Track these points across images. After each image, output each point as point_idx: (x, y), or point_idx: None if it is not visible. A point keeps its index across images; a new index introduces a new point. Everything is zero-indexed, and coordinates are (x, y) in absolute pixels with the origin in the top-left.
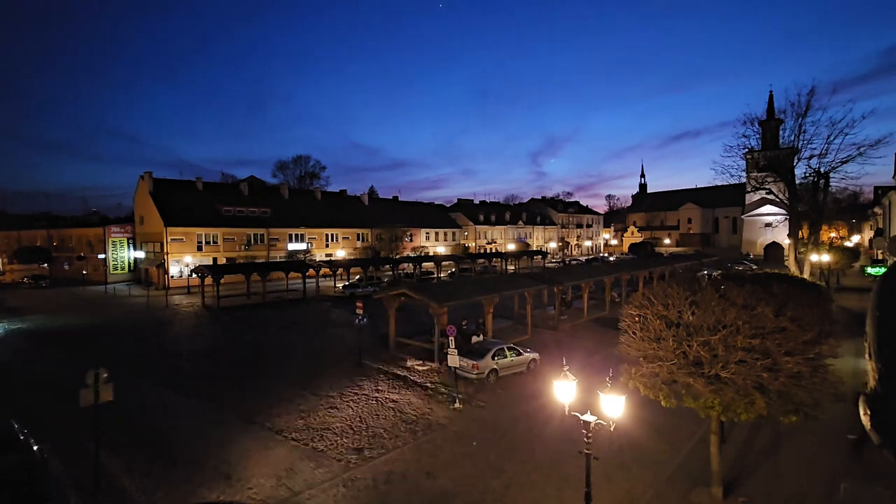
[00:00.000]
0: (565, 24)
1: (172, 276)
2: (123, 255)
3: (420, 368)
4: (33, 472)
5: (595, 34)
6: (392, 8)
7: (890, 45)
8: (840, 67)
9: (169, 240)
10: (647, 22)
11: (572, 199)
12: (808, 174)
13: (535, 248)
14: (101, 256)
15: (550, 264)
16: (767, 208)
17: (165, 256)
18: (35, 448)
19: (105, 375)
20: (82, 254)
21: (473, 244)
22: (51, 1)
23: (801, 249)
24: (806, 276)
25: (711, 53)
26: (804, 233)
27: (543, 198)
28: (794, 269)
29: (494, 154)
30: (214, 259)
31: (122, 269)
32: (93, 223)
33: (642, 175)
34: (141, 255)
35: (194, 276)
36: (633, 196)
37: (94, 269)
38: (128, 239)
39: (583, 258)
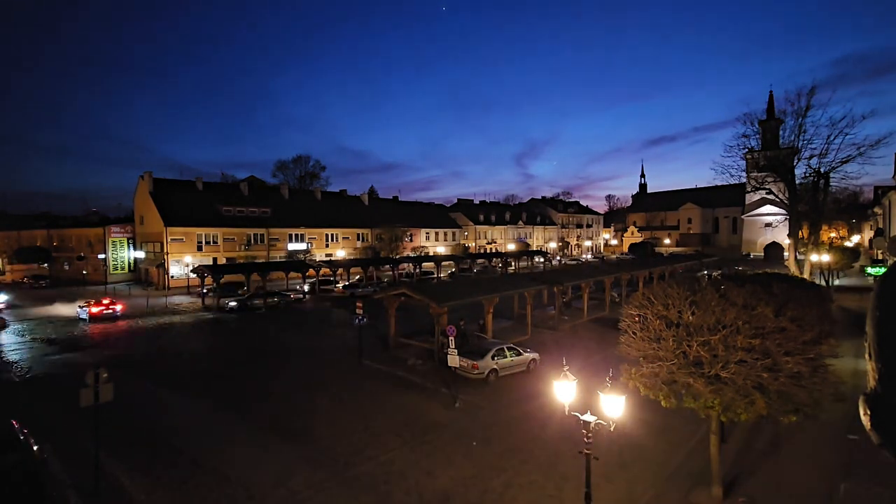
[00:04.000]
0: (535, 34)
1: (172, 276)
2: (123, 255)
3: (420, 368)
4: (33, 472)
5: (564, 44)
6: (368, 18)
7: (845, 54)
8: (795, 77)
9: (169, 240)
10: (611, 35)
11: (572, 200)
12: (808, 174)
13: (535, 248)
14: (101, 256)
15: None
16: (767, 208)
17: (165, 256)
18: (35, 448)
19: (105, 375)
20: (82, 254)
21: (473, 244)
22: (48, 6)
23: (802, 249)
24: (806, 275)
25: (673, 64)
26: (804, 233)
27: (543, 198)
28: (793, 268)
29: (479, 157)
30: (214, 259)
31: (123, 269)
32: (93, 223)
33: (642, 175)
34: (141, 255)
35: (194, 276)
36: (632, 196)
37: (94, 268)
38: (128, 239)
39: (583, 258)
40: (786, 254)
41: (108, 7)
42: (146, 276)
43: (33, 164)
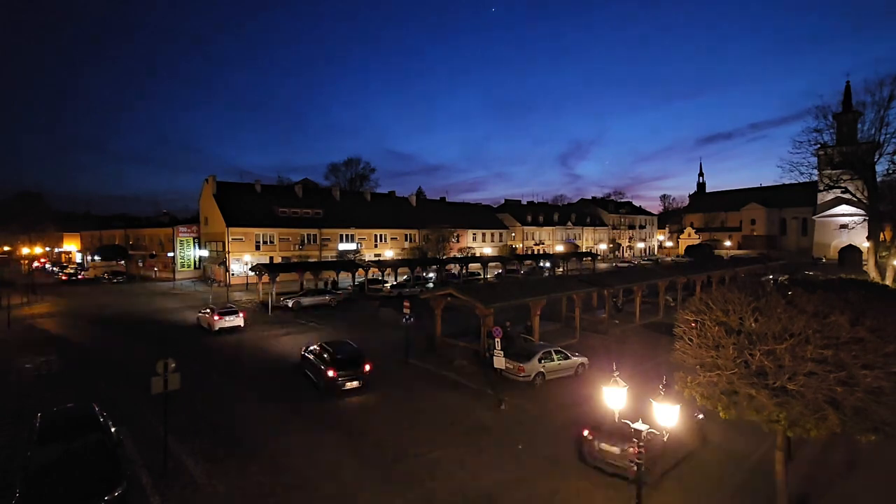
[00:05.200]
0: (575, 35)
1: (233, 274)
2: (190, 253)
3: (466, 369)
4: (111, 452)
5: (606, 44)
6: (410, 24)
7: None
8: (865, 67)
9: (230, 239)
10: (656, 33)
11: (624, 200)
12: (891, 170)
13: (584, 250)
14: (171, 255)
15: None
16: (843, 208)
17: (227, 255)
18: (112, 430)
19: (173, 365)
20: (154, 252)
21: (521, 245)
22: (119, 38)
23: (883, 253)
24: (889, 282)
25: (723, 60)
26: (886, 235)
27: (594, 198)
28: (874, 274)
29: (523, 158)
30: (271, 258)
31: (189, 266)
32: (163, 223)
33: (700, 174)
34: (205, 253)
35: (252, 273)
36: (689, 196)
37: (164, 266)
38: (193, 238)
39: (634, 260)
40: (865, 258)
41: (172, 27)
42: (209, 274)
43: (113, 170)
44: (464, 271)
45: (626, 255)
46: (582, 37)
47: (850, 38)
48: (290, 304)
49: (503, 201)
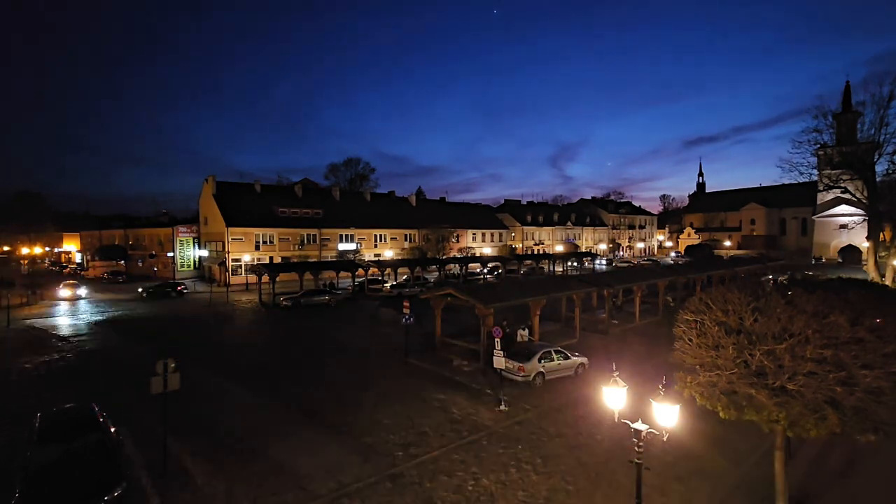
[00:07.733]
0: (560, 42)
1: (233, 274)
2: (189, 253)
3: (465, 369)
4: (111, 452)
5: (584, 51)
6: (399, 32)
7: (882, 50)
8: (831, 75)
9: (230, 239)
10: (632, 41)
11: (624, 200)
12: (890, 170)
13: (584, 250)
14: (170, 255)
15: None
16: (843, 208)
17: (227, 255)
18: (112, 430)
19: (173, 365)
20: (153, 252)
21: (521, 245)
22: (119, 39)
23: (883, 253)
24: (888, 282)
25: (703, 64)
26: (886, 235)
27: (593, 198)
28: (873, 274)
29: (514, 160)
30: (271, 258)
31: (189, 266)
32: (163, 224)
33: (700, 174)
34: (205, 253)
35: (252, 273)
36: (689, 196)
37: (163, 265)
38: (193, 238)
39: (634, 260)
40: (864, 258)
41: (172, 29)
42: (209, 274)
43: (112, 171)
44: (464, 271)
45: (625, 254)
46: (566, 42)
47: (834, 42)
48: (289, 305)
49: (503, 201)
